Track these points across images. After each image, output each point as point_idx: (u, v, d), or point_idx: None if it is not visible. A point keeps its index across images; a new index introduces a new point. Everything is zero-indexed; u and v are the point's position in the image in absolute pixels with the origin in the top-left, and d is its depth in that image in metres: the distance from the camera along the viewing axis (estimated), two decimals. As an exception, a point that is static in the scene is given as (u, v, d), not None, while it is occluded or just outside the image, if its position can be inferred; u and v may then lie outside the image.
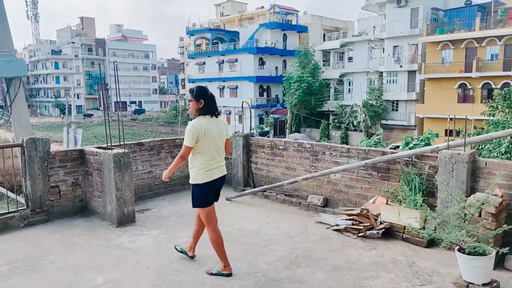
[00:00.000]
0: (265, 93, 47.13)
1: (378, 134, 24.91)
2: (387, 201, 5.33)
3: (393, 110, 35.44)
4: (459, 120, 5.72)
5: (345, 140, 35.71)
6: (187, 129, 3.82)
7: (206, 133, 3.80)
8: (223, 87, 49.11)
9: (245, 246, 4.82)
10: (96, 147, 6.08)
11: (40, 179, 5.60)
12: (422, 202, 4.43)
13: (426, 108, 32.07)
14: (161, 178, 4.33)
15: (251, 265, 4.28)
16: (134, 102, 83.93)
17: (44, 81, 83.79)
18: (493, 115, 13.99)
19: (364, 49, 37.73)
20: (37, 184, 5.58)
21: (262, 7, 56.19)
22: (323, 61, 42.92)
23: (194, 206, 4.03)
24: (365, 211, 5.22)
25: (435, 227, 4.38)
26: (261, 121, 43.97)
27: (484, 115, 14.46)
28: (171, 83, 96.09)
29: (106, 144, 5.98)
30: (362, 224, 5.06)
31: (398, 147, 23.17)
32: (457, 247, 3.72)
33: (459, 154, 4.51)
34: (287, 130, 40.22)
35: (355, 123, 35.86)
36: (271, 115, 44.12)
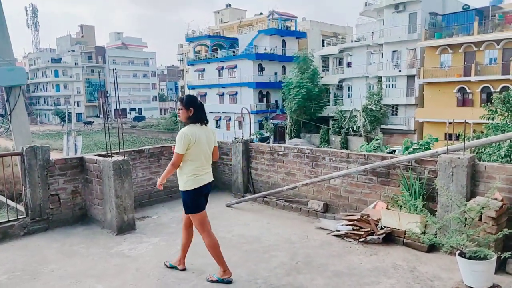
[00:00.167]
0: (264, 99, 47.22)
1: (377, 139, 24.86)
2: (387, 206, 5.32)
3: (392, 114, 35.49)
4: (458, 124, 5.73)
5: (345, 145, 35.71)
6: (179, 137, 3.89)
7: (197, 141, 3.90)
8: (223, 94, 49.23)
9: (245, 252, 4.80)
10: (96, 155, 6.08)
11: (40, 187, 5.60)
12: (423, 207, 4.43)
13: (426, 112, 32.11)
14: None
15: (251, 272, 4.26)
16: (134, 109, 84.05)
17: (44, 89, 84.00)
18: (493, 119, 14.01)
19: (363, 54, 37.88)
20: (37, 193, 5.57)
21: (261, 13, 56.52)
22: (322, 66, 43.06)
23: (187, 213, 4.07)
24: (366, 216, 5.21)
25: (436, 231, 4.36)
26: (261, 127, 44.01)
27: (484, 118, 14.48)
28: (171, 90, 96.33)
29: (106, 152, 5.99)
30: (362, 230, 5.05)
31: (394, 151, 23.16)
32: (458, 251, 3.70)
33: (459, 158, 4.51)
34: (287, 136, 40.24)
35: (354, 128, 35.89)
36: (271, 121, 44.16)
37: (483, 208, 3.88)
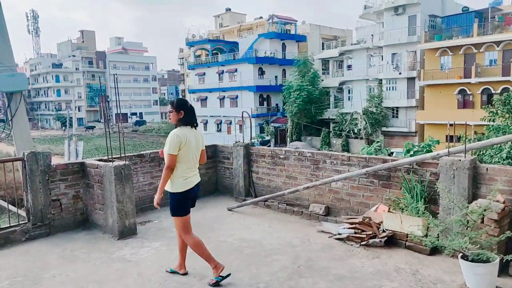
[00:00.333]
0: (265, 102, 47.28)
1: (378, 141, 24.88)
2: (389, 209, 5.31)
3: (393, 117, 35.50)
4: (459, 126, 5.72)
5: (346, 147, 35.70)
6: (170, 138, 3.95)
7: (187, 142, 3.98)
8: (223, 97, 49.29)
9: (247, 256, 4.79)
10: (97, 160, 6.08)
11: (41, 193, 5.60)
12: (424, 210, 4.42)
13: (426, 114, 32.11)
14: None
15: (253, 276, 4.25)
16: (135, 114, 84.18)
17: (45, 94, 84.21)
18: (493, 121, 13.99)
19: (363, 57, 37.94)
20: (38, 198, 5.58)
21: (261, 17, 56.66)
22: (322, 69, 43.12)
23: (172, 215, 4.12)
24: (367, 219, 5.20)
25: (438, 234, 4.35)
26: (261, 130, 44.02)
27: (484, 120, 14.46)
28: (172, 94, 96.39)
29: (107, 156, 5.99)
30: (364, 233, 5.04)
31: (392, 153, 23.14)
32: (460, 254, 3.69)
33: (460, 160, 4.50)
34: (288, 139, 40.25)
35: (355, 131, 35.88)
36: (272, 124, 44.19)
37: (485, 210, 3.87)
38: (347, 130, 36.47)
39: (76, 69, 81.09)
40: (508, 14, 30.97)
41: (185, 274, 4.29)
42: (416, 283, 3.98)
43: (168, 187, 4.06)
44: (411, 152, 15.22)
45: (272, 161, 7.10)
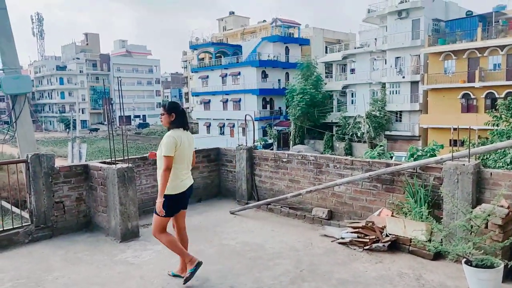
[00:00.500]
0: (268, 106, 47.31)
1: (381, 145, 24.86)
2: (392, 213, 5.29)
3: (396, 120, 35.44)
4: (463, 130, 5.71)
5: (349, 151, 35.64)
6: (165, 140, 3.97)
7: (182, 144, 4.04)
8: (227, 100, 49.36)
9: (250, 260, 4.78)
10: (100, 162, 6.09)
11: (45, 195, 5.61)
12: (428, 214, 4.40)
13: (430, 118, 32.03)
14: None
15: (256, 280, 4.24)
16: (138, 116, 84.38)
17: (49, 96, 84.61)
18: (497, 125, 13.94)
19: (366, 60, 37.93)
20: (42, 200, 5.59)
21: (264, 21, 56.83)
22: (326, 73, 43.13)
23: (155, 212, 4.04)
24: (371, 223, 5.18)
25: (442, 239, 4.33)
26: (264, 133, 44.04)
27: (488, 125, 14.41)
28: (175, 96, 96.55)
29: (110, 159, 6.00)
30: (367, 237, 5.02)
31: (391, 157, 23.09)
32: (464, 259, 3.67)
33: (464, 165, 4.48)
34: (291, 142, 40.23)
35: (358, 134, 35.84)
36: (275, 127, 44.20)
37: (489, 215, 3.85)
38: (350, 134, 36.43)
39: (80, 71, 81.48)
40: (512, 18, 30.92)
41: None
42: (420, 288, 3.96)
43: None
44: (415, 156, 15.17)
45: (275, 165, 7.09)
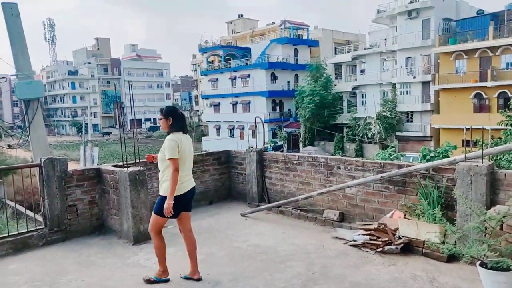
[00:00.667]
0: (277, 108, 47.30)
1: (392, 146, 24.62)
2: (405, 215, 5.24)
3: (407, 121, 35.12)
4: (475, 131, 5.63)
5: (359, 152, 35.41)
6: (167, 144, 4.03)
7: (183, 147, 4.10)
8: (236, 103, 49.48)
9: (261, 263, 4.77)
10: (112, 165, 6.15)
11: (58, 198, 5.68)
12: (441, 216, 4.35)
13: (442, 118, 31.69)
14: None
15: (267, 283, 4.23)
16: (149, 119, 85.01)
17: (61, 101, 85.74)
18: (511, 125, 13.73)
19: (376, 61, 37.70)
20: (55, 203, 5.66)
21: (273, 23, 56.84)
22: (335, 74, 42.99)
23: (154, 212, 4.17)
24: (383, 225, 5.14)
25: (455, 241, 4.27)
26: (274, 135, 44.01)
27: (501, 125, 14.20)
28: (185, 100, 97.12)
29: (122, 162, 6.05)
30: (380, 239, 4.97)
31: (397, 158, 22.86)
32: (479, 262, 3.62)
33: (477, 166, 4.42)
34: (301, 144, 40.12)
35: (369, 135, 35.59)
36: (284, 129, 44.14)
37: (504, 217, 3.79)
38: (361, 135, 36.20)
39: (91, 76, 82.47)
40: (525, 17, 30.45)
41: (199, 279, 4.29)
42: (434, 291, 3.91)
43: (161, 191, 4.16)
44: (428, 157, 15.01)
45: (285, 167, 7.08)
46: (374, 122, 34.59)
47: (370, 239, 5.04)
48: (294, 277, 4.34)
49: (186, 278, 4.34)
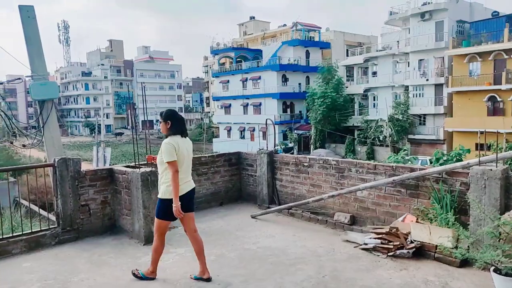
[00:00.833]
0: (288, 109, 47.24)
1: (405, 149, 24.43)
2: (417, 219, 5.18)
3: (420, 124, 34.76)
4: (489, 134, 5.55)
5: (371, 155, 35.17)
6: (164, 147, 4.09)
7: (180, 150, 4.13)
8: (247, 104, 49.55)
9: (271, 265, 4.77)
10: (125, 166, 6.21)
11: (71, 198, 5.75)
12: (454, 220, 4.30)
13: (455, 121, 31.30)
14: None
15: (277, 285, 4.22)
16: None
17: (75, 101, 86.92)
18: (526, 128, 13.50)
19: (388, 63, 37.43)
20: (68, 203, 5.73)
21: (285, 25, 56.82)
22: (347, 76, 42.79)
23: (157, 217, 4.27)
24: (395, 229, 5.09)
25: (469, 246, 4.21)
26: (285, 137, 43.95)
27: (517, 128, 13.96)
28: (196, 101, 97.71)
29: (134, 163, 6.11)
30: (391, 243, 4.92)
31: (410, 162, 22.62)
32: (493, 267, 3.56)
33: (491, 170, 4.36)
34: (312, 146, 40.01)
35: (381, 138, 35.32)
36: (295, 131, 44.06)
37: (519, 222, 3.72)
38: (372, 138, 35.95)
39: (104, 77, 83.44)
40: (542, 18, 29.95)
41: (209, 279, 4.31)
42: (446, 296, 3.86)
43: (160, 194, 4.22)
44: (441, 161, 14.85)
45: (296, 169, 7.06)
46: (386, 125, 34.32)
47: (382, 243, 5.00)
48: (304, 280, 4.32)
49: (196, 278, 4.35)
